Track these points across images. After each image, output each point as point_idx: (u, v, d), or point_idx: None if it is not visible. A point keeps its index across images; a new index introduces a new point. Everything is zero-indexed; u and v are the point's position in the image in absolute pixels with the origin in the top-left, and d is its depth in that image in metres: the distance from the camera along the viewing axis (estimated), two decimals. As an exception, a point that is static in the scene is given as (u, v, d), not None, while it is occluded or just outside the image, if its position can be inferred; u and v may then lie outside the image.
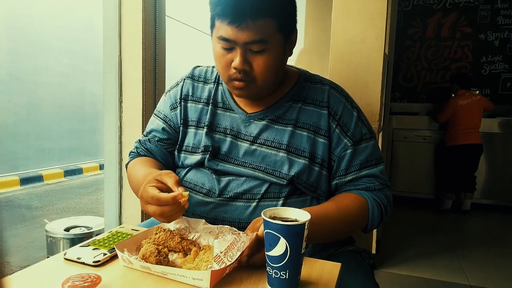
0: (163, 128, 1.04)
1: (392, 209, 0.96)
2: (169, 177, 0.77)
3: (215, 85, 1.02)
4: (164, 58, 1.80)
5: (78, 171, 6.32)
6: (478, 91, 4.05)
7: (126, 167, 1.07)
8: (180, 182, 0.76)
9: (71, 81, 6.51)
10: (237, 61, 0.84)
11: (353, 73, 1.30)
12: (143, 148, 1.05)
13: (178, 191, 0.73)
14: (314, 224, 0.67)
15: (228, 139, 0.96)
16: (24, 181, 5.33)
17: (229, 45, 0.84)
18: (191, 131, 1.00)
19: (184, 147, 1.00)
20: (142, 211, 1.73)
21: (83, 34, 6.63)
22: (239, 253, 0.67)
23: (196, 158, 0.96)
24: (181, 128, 1.02)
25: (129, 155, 1.09)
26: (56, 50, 6.16)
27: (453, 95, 3.90)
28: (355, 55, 1.29)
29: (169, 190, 0.76)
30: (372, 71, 1.28)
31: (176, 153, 1.02)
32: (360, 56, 1.29)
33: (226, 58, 0.86)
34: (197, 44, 8.88)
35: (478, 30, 4.44)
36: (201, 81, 1.04)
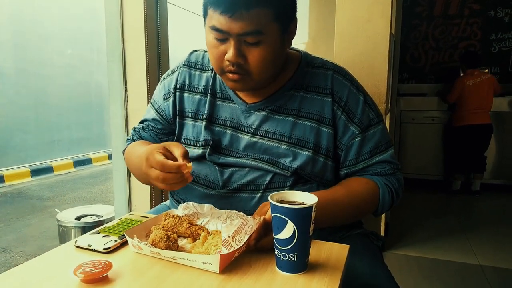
0: (154, 119, 1.03)
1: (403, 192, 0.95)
2: (177, 148, 0.77)
3: (213, 73, 0.97)
4: (167, 45, 1.79)
5: (88, 161, 6.39)
6: (487, 70, 3.97)
7: (123, 153, 1.07)
8: (187, 155, 0.76)
9: (78, 72, 6.53)
10: (230, 53, 0.79)
11: (359, 54, 1.28)
12: (138, 136, 1.05)
13: (182, 162, 0.74)
14: (322, 208, 0.67)
15: (228, 131, 0.92)
16: (35, 172, 5.41)
17: (222, 36, 0.79)
18: (189, 123, 0.97)
19: (183, 140, 0.98)
20: (151, 199, 1.75)
21: (87, 24, 6.61)
22: (247, 237, 0.67)
23: (196, 152, 0.94)
24: (177, 119, 0.99)
25: (126, 141, 1.10)
26: (61, 41, 6.17)
27: (461, 74, 3.84)
28: (360, 35, 1.27)
29: (174, 160, 0.76)
30: (378, 51, 1.25)
31: None
32: (366, 36, 1.26)
33: (219, 49, 0.81)
34: (199, 30, 8.79)
35: (488, 7, 4.32)
36: (198, 68, 0.99)
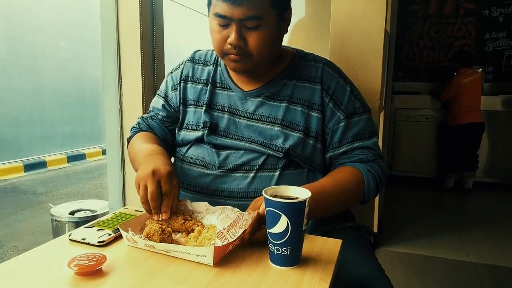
0: (163, 106, 1.09)
1: (392, 183, 0.97)
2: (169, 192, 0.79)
3: (214, 66, 1.06)
4: (162, 40, 1.79)
5: (81, 157, 6.36)
6: (481, 69, 4.00)
7: (129, 141, 1.10)
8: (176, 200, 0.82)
9: (71, 65, 6.47)
10: (232, 37, 0.87)
11: (354, 51, 1.29)
12: (145, 124, 1.09)
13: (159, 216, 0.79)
14: (313, 200, 0.68)
15: (226, 115, 0.99)
16: (28, 167, 5.37)
17: (225, 21, 0.87)
18: (191, 109, 1.04)
19: (184, 125, 1.05)
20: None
21: (80, 17, 6.55)
22: (241, 231, 0.67)
23: (196, 134, 1.00)
24: (181, 107, 1.06)
25: (131, 130, 1.13)
26: (54, 34, 6.11)
27: (455, 73, 3.86)
28: (355, 32, 1.27)
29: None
30: (373, 48, 1.26)
31: (177, 131, 1.07)
32: (361, 33, 1.27)
33: (222, 34, 0.89)
34: (194, 25, 8.77)
35: (482, 6, 4.35)
36: (201, 63, 1.08)
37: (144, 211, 0.86)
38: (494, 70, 4.40)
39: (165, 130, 1.09)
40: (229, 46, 0.88)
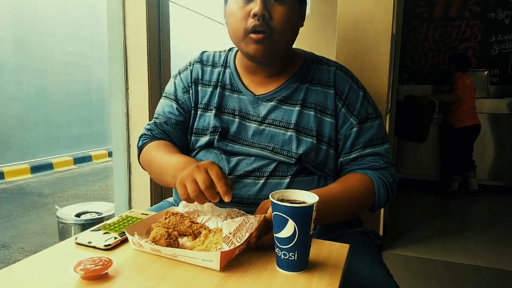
0: (177, 109, 1.03)
1: (398, 188, 0.96)
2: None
3: (223, 68, 1.03)
4: (169, 43, 1.79)
5: (88, 159, 6.39)
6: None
7: (141, 150, 1.03)
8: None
9: (78, 68, 6.52)
10: (257, 7, 0.85)
11: (360, 54, 1.29)
12: (160, 131, 1.02)
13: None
14: (322, 204, 0.68)
15: (237, 119, 0.97)
16: (35, 169, 5.41)
17: None
18: (200, 113, 1.01)
19: (194, 130, 1.01)
20: (151, 196, 1.75)
21: (87, 21, 6.60)
22: (248, 234, 0.67)
23: (205, 139, 0.97)
24: (192, 110, 1.02)
25: (141, 138, 1.05)
26: (61, 38, 6.15)
27: (456, 75, 3.80)
28: (362, 35, 1.27)
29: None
30: (380, 51, 1.26)
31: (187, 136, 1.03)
32: (368, 36, 1.26)
33: (245, 9, 0.87)
34: (200, 29, 8.80)
35: (488, 9, 4.33)
36: (209, 65, 1.05)
37: (149, 215, 0.86)
38: (500, 72, 4.37)
39: (181, 135, 1.03)
40: (252, 21, 0.86)
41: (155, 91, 1.70)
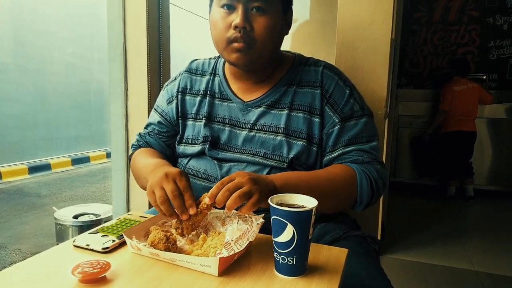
0: (159, 122, 1.07)
1: (386, 186, 0.95)
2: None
3: (212, 76, 1.04)
4: (168, 45, 1.79)
5: (86, 160, 6.38)
6: (485, 77, 3.97)
7: (130, 158, 1.10)
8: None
9: (77, 70, 6.52)
10: (238, 19, 0.85)
11: (360, 58, 1.29)
12: (143, 141, 1.09)
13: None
14: (304, 181, 0.67)
15: (227, 128, 0.98)
16: (33, 169, 5.39)
17: (231, 1, 0.86)
18: (190, 123, 1.03)
19: (184, 139, 1.03)
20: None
21: (88, 22, 6.60)
22: (248, 242, 0.67)
23: (196, 148, 0.99)
24: (180, 121, 1.04)
25: (131, 147, 1.13)
26: (61, 39, 6.15)
27: (448, 81, 3.83)
28: (362, 39, 1.28)
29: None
30: (379, 56, 1.26)
31: (176, 144, 1.06)
32: (368, 40, 1.27)
33: (226, 20, 0.87)
34: (199, 31, 8.81)
35: (487, 14, 4.35)
36: (198, 74, 1.06)
37: (148, 217, 0.86)
38: (499, 78, 4.38)
39: (163, 146, 1.08)
40: (233, 32, 0.86)
41: (155, 93, 1.70)
